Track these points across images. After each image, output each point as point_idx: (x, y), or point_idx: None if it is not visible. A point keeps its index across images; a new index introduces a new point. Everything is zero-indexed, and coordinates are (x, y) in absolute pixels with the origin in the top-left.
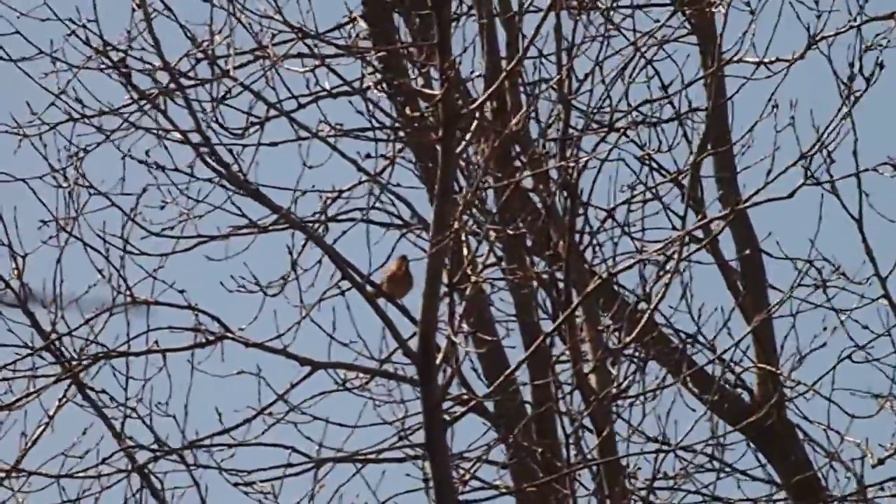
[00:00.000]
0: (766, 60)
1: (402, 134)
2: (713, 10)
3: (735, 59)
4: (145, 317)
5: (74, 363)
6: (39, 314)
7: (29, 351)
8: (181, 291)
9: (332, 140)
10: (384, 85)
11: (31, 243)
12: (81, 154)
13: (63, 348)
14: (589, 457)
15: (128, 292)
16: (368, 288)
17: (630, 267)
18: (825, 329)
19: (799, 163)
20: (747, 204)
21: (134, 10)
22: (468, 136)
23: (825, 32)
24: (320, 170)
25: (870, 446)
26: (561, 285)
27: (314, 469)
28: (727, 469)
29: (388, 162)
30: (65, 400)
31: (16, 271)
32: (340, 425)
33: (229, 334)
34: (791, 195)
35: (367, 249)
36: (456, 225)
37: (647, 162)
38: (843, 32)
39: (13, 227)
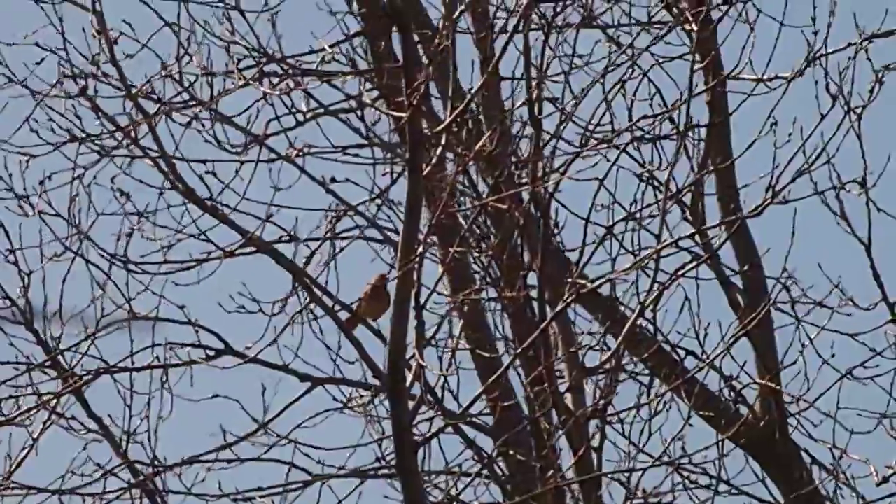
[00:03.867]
0: (765, 77)
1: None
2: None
3: (733, 75)
4: (149, 333)
5: (76, 378)
6: (43, 330)
7: (30, 365)
8: (181, 307)
9: (321, 161)
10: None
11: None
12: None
13: (65, 363)
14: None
15: (128, 308)
16: (339, 311)
17: (603, 283)
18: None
19: (801, 177)
20: (731, 218)
21: (95, 36)
22: (436, 157)
23: (827, 48)
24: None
25: (874, 464)
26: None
27: (312, 485)
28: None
29: (381, 191)
30: (59, 418)
31: (21, 289)
32: (335, 449)
33: (229, 350)
34: (759, 213)
35: (335, 269)
36: (421, 248)
37: (646, 179)
38: (841, 50)
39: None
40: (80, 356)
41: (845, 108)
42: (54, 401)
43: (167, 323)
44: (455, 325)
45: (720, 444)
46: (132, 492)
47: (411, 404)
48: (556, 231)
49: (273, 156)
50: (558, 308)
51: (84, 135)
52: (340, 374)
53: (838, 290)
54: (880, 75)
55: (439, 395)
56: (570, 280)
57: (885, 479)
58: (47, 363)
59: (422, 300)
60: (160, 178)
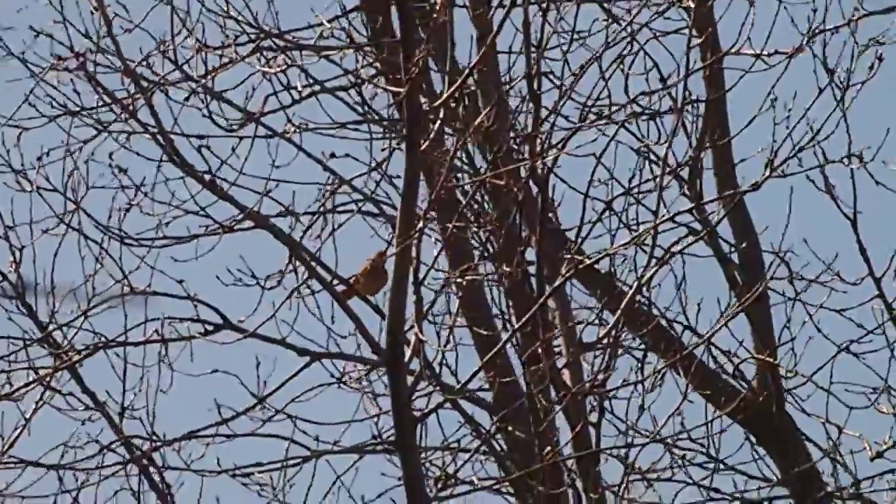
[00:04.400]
0: (763, 53)
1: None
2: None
3: (733, 51)
4: (143, 308)
5: (72, 354)
6: (38, 305)
7: (26, 342)
8: (180, 282)
9: (318, 137)
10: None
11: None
12: (49, 155)
13: (62, 338)
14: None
15: (125, 283)
16: (337, 286)
17: (601, 258)
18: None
19: (796, 156)
20: (729, 193)
21: (92, 12)
22: (433, 134)
23: (825, 25)
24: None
25: (868, 440)
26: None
27: (311, 461)
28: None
29: (377, 163)
30: (56, 394)
31: (13, 264)
32: (332, 424)
33: (228, 324)
34: (757, 187)
35: (332, 243)
36: (420, 223)
37: (645, 154)
38: (841, 27)
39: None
40: (76, 332)
41: (843, 84)
42: (49, 377)
43: (164, 298)
44: (453, 302)
45: (710, 423)
46: (128, 468)
47: (410, 379)
48: (554, 207)
49: (270, 132)
50: (556, 283)
51: (80, 109)
52: (338, 348)
53: (826, 266)
54: (879, 53)
55: (437, 370)
56: (568, 255)
57: (879, 455)
58: (41, 339)
59: (420, 276)
60: (157, 153)
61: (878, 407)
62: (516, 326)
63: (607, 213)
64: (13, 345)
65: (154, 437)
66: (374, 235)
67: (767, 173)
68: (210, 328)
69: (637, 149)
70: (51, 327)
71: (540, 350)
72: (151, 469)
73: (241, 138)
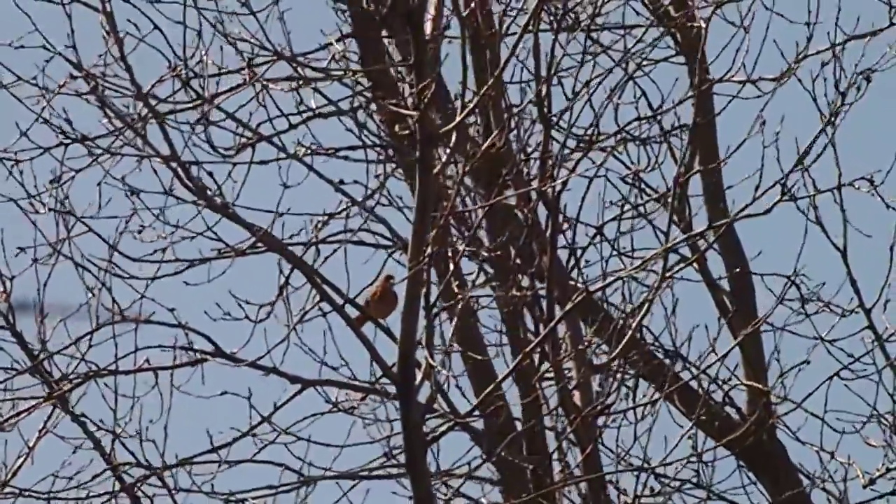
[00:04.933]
0: (752, 79)
1: (391, 153)
2: (699, 24)
3: (723, 78)
4: (133, 335)
5: (62, 384)
6: (27, 331)
7: (16, 371)
8: (171, 310)
9: (322, 160)
10: (372, 105)
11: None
12: (61, 179)
13: (53, 366)
14: (575, 473)
15: (117, 310)
16: (350, 309)
17: (609, 283)
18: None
19: (781, 182)
20: (726, 221)
21: (105, 38)
22: (446, 156)
23: (814, 48)
24: (308, 192)
25: (860, 467)
26: (544, 303)
27: (303, 487)
28: (712, 492)
29: (380, 183)
30: (52, 422)
31: (3, 294)
32: (328, 445)
33: (219, 353)
34: (768, 211)
35: (347, 272)
36: (431, 247)
37: (634, 181)
38: (824, 51)
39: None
40: (72, 359)
41: (833, 106)
42: (41, 405)
43: (157, 325)
44: (449, 329)
45: (702, 453)
46: (117, 498)
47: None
48: (564, 229)
49: (269, 157)
50: (567, 307)
51: (89, 135)
52: (336, 373)
53: (816, 296)
54: (868, 74)
55: (446, 394)
56: (577, 280)
57: (872, 482)
58: (31, 368)
59: (432, 300)
60: (157, 178)
61: (867, 439)
62: (528, 349)
63: (598, 238)
64: (4, 372)
65: (146, 465)
66: (369, 261)
67: (779, 195)
68: (201, 356)
69: (624, 176)
70: (40, 357)
71: (543, 374)
72: (143, 497)
73: (250, 163)
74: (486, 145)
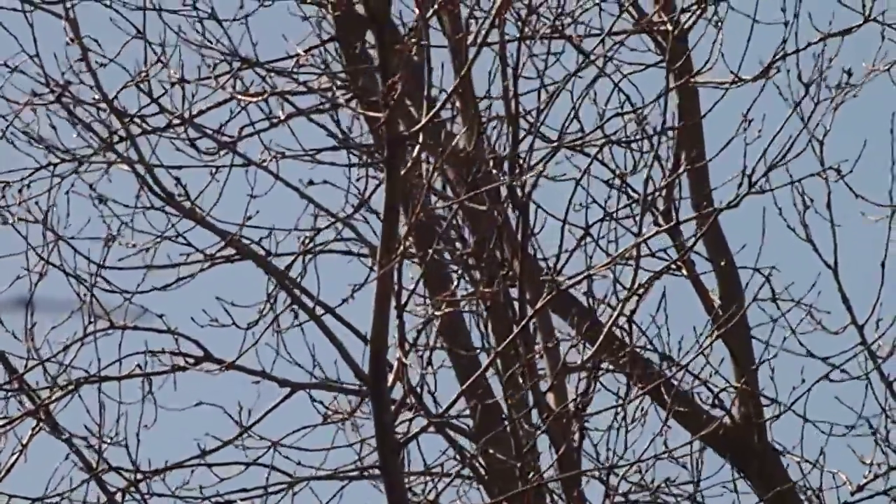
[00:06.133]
0: (728, 81)
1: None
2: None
3: (702, 75)
4: (118, 342)
5: (55, 390)
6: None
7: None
8: (160, 316)
9: (302, 164)
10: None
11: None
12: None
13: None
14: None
15: (105, 316)
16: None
17: (579, 281)
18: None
19: (747, 174)
20: (692, 217)
21: (68, 44)
22: (413, 158)
23: (786, 49)
24: (291, 196)
25: (847, 475)
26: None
27: (291, 489)
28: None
29: (371, 193)
30: (37, 430)
31: None
32: (312, 451)
33: (209, 357)
34: (736, 204)
35: (318, 279)
36: (401, 247)
37: (616, 184)
38: (803, 50)
39: None
40: (60, 365)
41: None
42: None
43: (145, 332)
44: (433, 327)
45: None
46: None
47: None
48: (533, 231)
49: (247, 160)
50: (538, 305)
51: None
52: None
53: (808, 313)
54: (848, 67)
55: (420, 396)
56: (547, 278)
57: (861, 488)
58: (13, 383)
59: (402, 301)
60: (135, 185)
61: (852, 445)
62: (498, 349)
63: (586, 239)
64: None
65: (135, 470)
66: (353, 263)
67: (746, 188)
68: (191, 361)
69: (608, 180)
70: (21, 372)
71: (523, 372)
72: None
73: (217, 167)
74: (451, 145)
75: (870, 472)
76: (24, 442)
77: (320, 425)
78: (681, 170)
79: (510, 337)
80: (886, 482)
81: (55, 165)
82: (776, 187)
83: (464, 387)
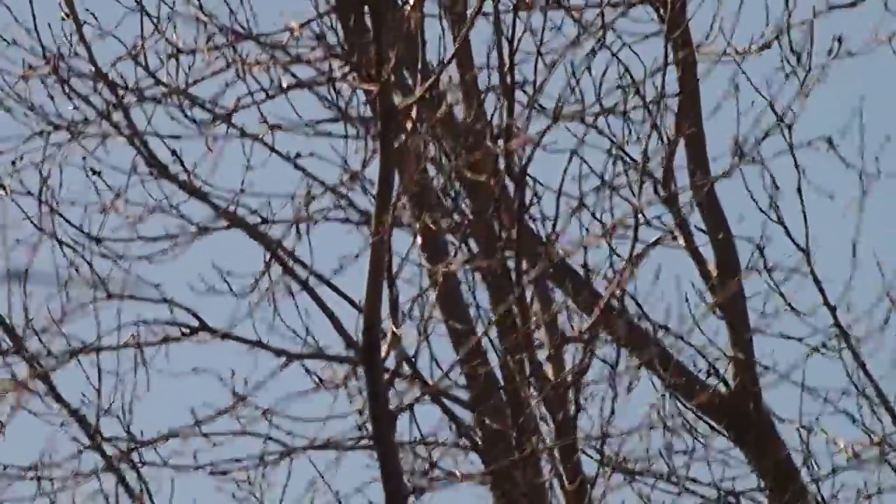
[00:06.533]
0: (728, 52)
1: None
2: None
3: (704, 46)
4: (116, 312)
5: (49, 359)
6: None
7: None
8: (156, 286)
9: (299, 135)
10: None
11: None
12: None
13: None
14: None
15: (101, 286)
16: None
17: (573, 251)
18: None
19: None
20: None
21: (63, 18)
22: (408, 130)
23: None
24: (282, 169)
25: (844, 441)
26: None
27: (288, 457)
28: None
29: (362, 160)
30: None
31: None
32: (308, 421)
33: (204, 327)
34: (727, 174)
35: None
36: (392, 218)
37: (615, 153)
38: (806, 21)
39: None
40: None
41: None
42: (22, 387)
43: (139, 301)
44: (429, 296)
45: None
46: (101, 474)
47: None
48: (532, 200)
49: (242, 132)
50: (534, 273)
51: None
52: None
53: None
54: (839, 35)
55: (415, 365)
56: (544, 247)
57: (856, 455)
58: (13, 350)
59: (395, 270)
60: (131, 157)
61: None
62: (494, 318)
63: (581, 209)
64: None
65: (131, 439)
66: (350, 232)
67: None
68: (187, 331)
69: (608, 149)
70: (23, 336)
71: (519, 342)
72: (127, 468)
73: (213, 138)
74: (441, 113)
75: (866, 438)
76: (13, 409)
77: (312, 391)
78: (678, 139)
79: (507, 305)
80: (883, 449)
81: (48, 133)
82: (760, 160)
83: (459, 356)
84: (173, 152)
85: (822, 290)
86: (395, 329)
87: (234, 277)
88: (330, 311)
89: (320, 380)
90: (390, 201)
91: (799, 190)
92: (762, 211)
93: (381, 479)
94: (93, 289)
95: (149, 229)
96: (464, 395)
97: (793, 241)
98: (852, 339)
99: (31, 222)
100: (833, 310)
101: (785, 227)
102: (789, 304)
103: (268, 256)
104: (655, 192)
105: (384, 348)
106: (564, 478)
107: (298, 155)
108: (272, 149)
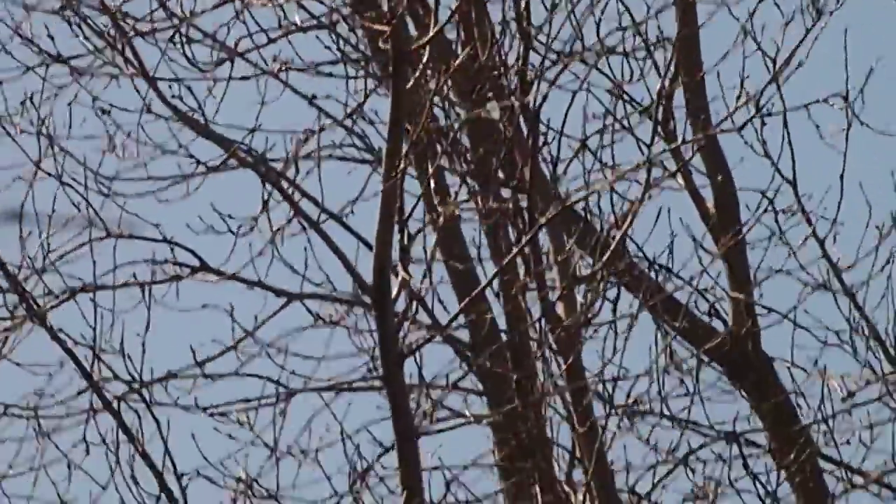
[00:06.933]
0: None
1: (372, 69)
2: None
3: None
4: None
5: (48, 298)
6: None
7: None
8: (156, 225)
9: (302, 76)
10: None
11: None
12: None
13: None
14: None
15: (101, 225)
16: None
17: (590, 193)
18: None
19: (755, 99)
20: (700, 136)
21: None
22: (419, 71)
23: None
24: (286, 109)
25: (841, 378)
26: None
27: (286, 399)
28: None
29: (361, 100)
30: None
31: None
32: (310, 358)
33: (205, 267)
34: (741, 128)
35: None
36: (404, 162)
37: (617, 94)
38: None
39: None
40: (56, 273)
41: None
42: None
43: (140, 241)
44: (431, 236)
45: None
46: (97, 415)
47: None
48: (546, 142)
49: (247, 73)
50: (547, 216)
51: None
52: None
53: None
54: None
55: (424, 307)
56: (558, 192)
57: (851, 394)
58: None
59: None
60: (139, 96)
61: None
62: (508, 258)
63: (583, 149)
64: None
65: (129, 380)
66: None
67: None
68: (187, 271)
69: (609, 89)
70: (19, 276)
71: (527, 285)
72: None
73: (215, 80)
74: (461, 58)
75: (861, 377)
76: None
77: (310, 328)
78: (678, 79)
79: (520, 246)
80: (881, 389)
81: (48, 66)
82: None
83: (470, 296)
84: (189, 88)
85: (809, 222)
86: (405, 270)
87: (244, 220)
88: (341, 252)
89: (318, 316)
90: (402, 144)
91: (784, 121)
92: (747, 144)
93: (392, 419)
94: (91, 228)
95: (157, 169)
96: (467, 339)
97: (780, 173)
98: (841, 271)
99: (32, 162)
100: (821, 242)
101: (770, 159)
102: (786, 242)
103: (268, 194)
104: (655, 132)
105: (394, 290)
106: (575, 421)
107: (314, 96)
108: (286, 83)
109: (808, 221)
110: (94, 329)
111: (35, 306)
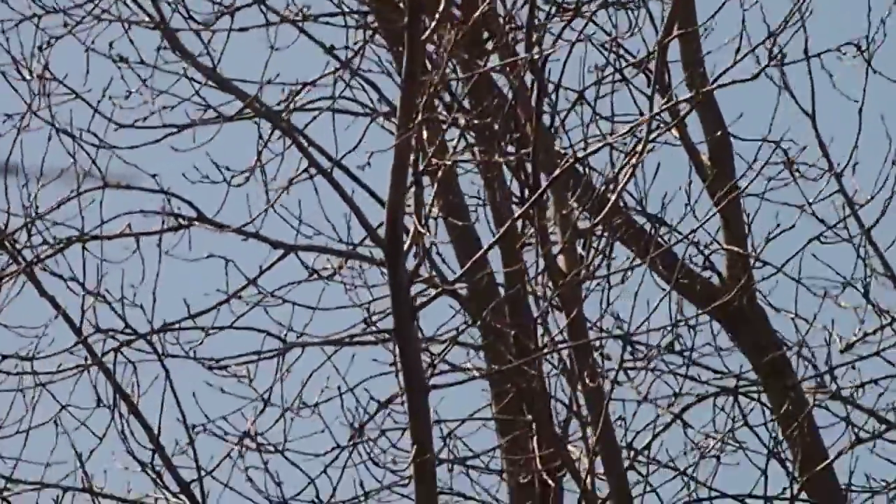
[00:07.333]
0: None
1: (371, 19)
2: None
3: None
4: (114, 201)
5: (44, 248)
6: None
7: None
8: (153, 176)
9: (299, 25)
10: None
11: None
12: (46, 46)
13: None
14: (558, 339)
15: (99, 175)
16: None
17: (599, 149)
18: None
19: (765, 44)
20: (713, 86)
21: None
22: (434, 24)
23: None
24: (288, 60)
25: (836, 332)
26: (529, 169)
27: (285, 353)
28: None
29: (359, 48)
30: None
31: None
32: (312, 308)
33: (202, 218)
34: (755, 76)
35: (335, 137)
36: (421, 113)
37: (613, 47)
38: None
39: None
40: (54, 224)
41: None
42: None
43: (138, 191)
44: (430, 193)
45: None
46: (90, 370)
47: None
48: (550, 94)
49: (253, 23)
50: (556, 172)
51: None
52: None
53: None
54: None
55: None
56: (561, 146)
57: (849, 346)
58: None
59: (420, 166)
60: (153, 43)
61: (840, 302)
62: (517, 214)
63: (580, 102)
64: None
65: (130, 331)
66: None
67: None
68: (184, 222)
69: (604, 43)
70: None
71: (529, 239)
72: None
73: (228, 30)
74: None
75: (860, 330)
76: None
77: (305, 281)
78: (674, 34)
79: (529, 202)
80: (879, 343)
81: (39, 16)
82: (790, 62)
83: (479, 254)
84: (199, 35)
85: (826, 155)
86: (418, 224)
87: (232, 170)
88: (355, 205)
89: (314, 271)
90: (416, 96)
91: (806, 53)
92: (768, 76)
93: (402, 373)
94: (87, 178)
95: (167, 117)
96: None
97: (799, 106)
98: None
99: (29, 108)
100: (839, 177)
101: (791, 93)
102: (797, 170)
103: (264, 144)
104: (654, 88)
105: (406, 244)
106: (585, 376)
107: (333, 47)
108: (302, 30)
109: (826, 155)
110: (83, 283)
111: (23, 259)
